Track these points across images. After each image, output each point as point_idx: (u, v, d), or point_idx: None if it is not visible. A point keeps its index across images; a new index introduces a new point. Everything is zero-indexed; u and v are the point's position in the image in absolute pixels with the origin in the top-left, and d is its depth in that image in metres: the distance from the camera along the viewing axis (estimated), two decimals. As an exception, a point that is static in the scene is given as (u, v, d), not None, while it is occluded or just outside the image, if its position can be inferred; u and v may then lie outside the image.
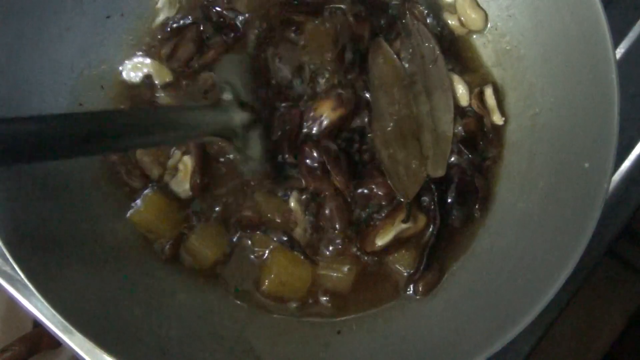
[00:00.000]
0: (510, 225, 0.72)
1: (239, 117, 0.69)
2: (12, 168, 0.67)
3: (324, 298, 0.75)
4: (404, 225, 0.73)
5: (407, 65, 0.78)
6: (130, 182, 0.76)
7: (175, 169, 0.77)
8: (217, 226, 0.76)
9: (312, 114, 0.74)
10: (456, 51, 0.81)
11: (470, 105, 0.78)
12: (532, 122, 0.74)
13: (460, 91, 0.78)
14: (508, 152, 0.77)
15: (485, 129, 0.77)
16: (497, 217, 0.75)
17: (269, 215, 0.75)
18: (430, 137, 0.75)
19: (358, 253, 0.75)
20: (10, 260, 0.61)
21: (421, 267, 0.74)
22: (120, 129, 0.60)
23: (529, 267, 0.66)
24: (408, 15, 0.79)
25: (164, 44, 0.81)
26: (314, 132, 0.74)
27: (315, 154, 0.73)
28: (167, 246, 0.75)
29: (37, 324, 0.84)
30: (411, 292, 0.74)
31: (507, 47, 0.78)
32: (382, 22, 0.79)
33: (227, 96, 0.70)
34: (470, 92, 0.78)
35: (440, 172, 0.74)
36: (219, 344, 0.71)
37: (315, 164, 0.73)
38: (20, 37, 0.71)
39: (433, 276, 0.74)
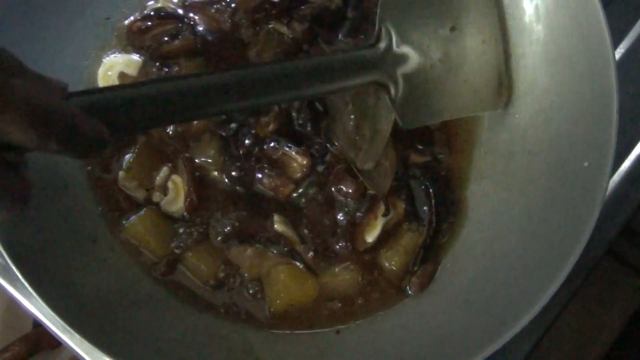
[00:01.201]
0: (509, 223, 0.72)
1: (404, 57, 0.66)
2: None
3: (332, 306, 0.74)
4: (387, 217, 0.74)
5: None
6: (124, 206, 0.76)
7: (164, 188, 0.76)
8: (212, 242, 0.75)
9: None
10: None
11: None
12: (531, 120, 0.74)
13: None
14: (507, 151, 0.77)
15: None
16: (495, 215, 0.75)
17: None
18: (368, 131, 0.75)
19: (352, 255, 0.75)
20: (8, 261, 0.61)
21: (414, 268, 0.74)
22: (264, 82, 0.58)
23: (528, 265, 0.66)
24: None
25: (142, 20, 0.80)
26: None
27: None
28: (162, 265, 0.74)
29: (37, 324, 0.84)
30: (408, 290, 0.74)
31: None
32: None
33: (385, 41, 0.66)
34: None
35: (368, 165, 0.74)
36: (217, 344, 0.71)
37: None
38: (19, 38, 0.71)
39: (426, 273, 0.74)
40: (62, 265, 0.66)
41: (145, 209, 0.75)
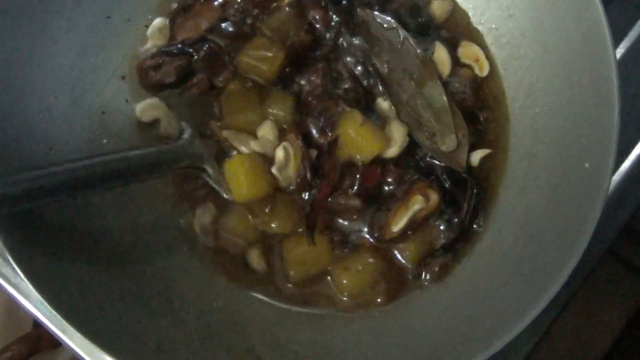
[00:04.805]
0: (511, 225, 0.72)
1: (203, 146, 0.77)
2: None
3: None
4: (416, 207, 0.72)
5: (384, 58, 0.77)
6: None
7: (268, 142, 0.75)
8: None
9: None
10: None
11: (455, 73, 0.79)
12: (532, 122, 0.74)
13: (444, 57, 0.79)
14: (508, 152, 0.77)
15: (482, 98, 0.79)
16: (497, 217, 0.75)
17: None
18: (430, 114, 0.75)
19: (377, 243, 0.75)
20: (10, 260, 0.61)
21: (436, 252, 0.75)
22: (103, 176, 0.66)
23: (529, 267, 0.66)
24: (358, 10, 0.79)
25: (152, 59, 0.81)
26: None
27: None
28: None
29: (37, 324, 0.84)
30: (423, 279, 0.75)
31: (507, 48, 0.78)
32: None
33: (187, 133, 0.78)
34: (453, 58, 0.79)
35: (451, 146, 0.74)
36: (218, 343, 0.71)
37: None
38: (20, 37, 0.71)
39: (443, 263, 0.74)
40: (63, 264, 0.66)
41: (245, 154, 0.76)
